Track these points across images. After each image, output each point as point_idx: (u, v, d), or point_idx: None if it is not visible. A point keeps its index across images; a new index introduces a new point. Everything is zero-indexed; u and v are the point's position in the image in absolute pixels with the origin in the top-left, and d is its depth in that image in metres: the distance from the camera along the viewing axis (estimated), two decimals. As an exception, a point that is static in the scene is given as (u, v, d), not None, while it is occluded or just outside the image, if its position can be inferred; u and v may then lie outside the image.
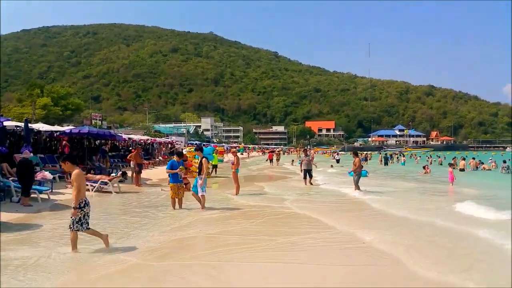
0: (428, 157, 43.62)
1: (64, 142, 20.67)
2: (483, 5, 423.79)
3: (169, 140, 44.25)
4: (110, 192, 13.47)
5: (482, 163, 30.41)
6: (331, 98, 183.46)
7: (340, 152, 60.29)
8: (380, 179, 21.36)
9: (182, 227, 8.12)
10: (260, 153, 77.09)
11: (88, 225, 5.92)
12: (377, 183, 18.25)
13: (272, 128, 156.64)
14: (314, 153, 48.08)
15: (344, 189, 14.82)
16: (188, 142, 53.02)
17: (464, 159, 29.95)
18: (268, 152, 43.01)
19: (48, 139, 20.51)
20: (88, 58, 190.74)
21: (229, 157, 38.21)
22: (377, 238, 6.91)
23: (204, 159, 10.32)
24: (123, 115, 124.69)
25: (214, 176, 20.80)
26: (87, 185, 13.72)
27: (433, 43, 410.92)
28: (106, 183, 13.73)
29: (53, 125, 25.28)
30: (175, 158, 10.54)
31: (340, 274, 5.16)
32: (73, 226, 5.77)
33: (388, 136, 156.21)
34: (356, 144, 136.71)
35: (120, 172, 14.78)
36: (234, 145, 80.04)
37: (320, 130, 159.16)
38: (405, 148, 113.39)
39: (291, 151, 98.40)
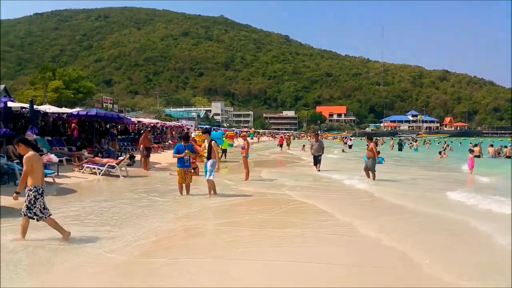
0: (444, 143, 42.46)
1: (73, 124, 20.51)
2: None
3: (179, 124, 44.03)
4: (118, 176, 13.25)
5: (506, 147, 29.30)
6: (343, 83, 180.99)
7: (352, 138, 59.25)
8: (394, 166, 20.82)
9: (187, 215, 7.76)
10: (270, 138, 76.67)
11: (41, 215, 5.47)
12: (392, 170, 17.72)
13: (282, 113, 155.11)
14: (323, 138, 47.13)
15: (352, 180, 13.40)
16: (199, 126, 52.74)
17: (491, 145, 28.95)
18: (279, 137, 42.46)
19: (57, 121, 20.31)
20: (99, 42, 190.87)
21: (239, 141, 38.06)
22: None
23: (213, 141, 9.94)
24: (134, 98, 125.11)
25: (223, 160, 20.49)
26: (93, 168, 13.61)
27: (448, 27, 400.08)
28: (113, 167, 13.50)
29: (63, 108, 25.11)
30: (182, 142, 10.26)
31: (346, 273, 4.79)
32: (30, 213, 5.38)
33: (401, 121, 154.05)
34: (368, 130, 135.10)
35: (128, 155, 14.45)
36: (244, 129, 79.67)
37: (331, 115, 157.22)
38: (421, 134, 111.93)
39: (302, 136, 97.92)
